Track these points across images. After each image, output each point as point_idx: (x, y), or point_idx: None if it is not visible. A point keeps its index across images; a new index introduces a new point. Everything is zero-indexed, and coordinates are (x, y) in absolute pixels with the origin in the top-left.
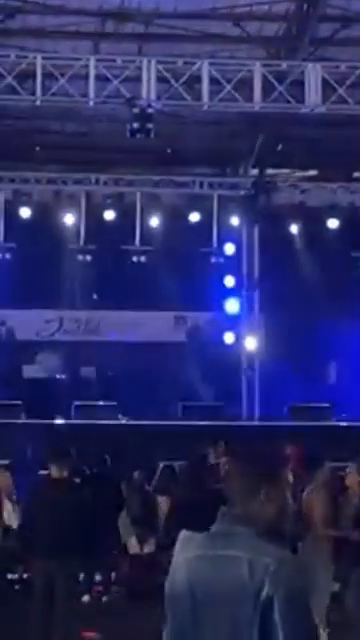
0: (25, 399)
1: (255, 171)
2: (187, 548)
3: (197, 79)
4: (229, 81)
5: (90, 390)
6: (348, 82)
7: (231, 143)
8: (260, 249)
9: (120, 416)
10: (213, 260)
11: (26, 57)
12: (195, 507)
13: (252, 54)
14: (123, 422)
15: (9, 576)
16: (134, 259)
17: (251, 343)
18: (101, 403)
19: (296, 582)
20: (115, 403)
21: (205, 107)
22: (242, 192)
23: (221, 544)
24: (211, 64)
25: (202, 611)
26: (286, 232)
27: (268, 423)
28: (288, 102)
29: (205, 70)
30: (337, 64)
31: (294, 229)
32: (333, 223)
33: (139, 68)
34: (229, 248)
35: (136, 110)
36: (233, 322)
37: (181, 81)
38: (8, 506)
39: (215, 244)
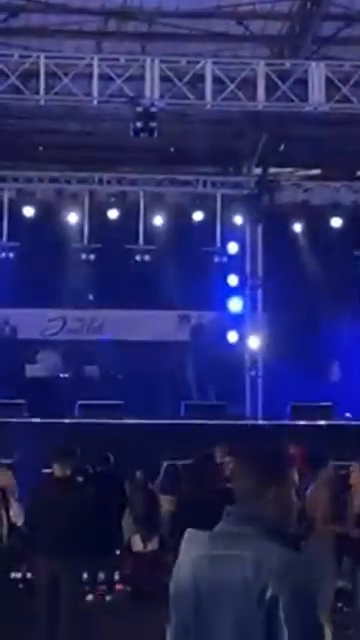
0: (28, 398)
1: (258, 170)
2: (192, 547)
3: (200, 78)
4: (232, 80)
5: (93, 389)
6: (352, 81)
7: (234, 142)
8: (263, 248)
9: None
10: (216, 259)
11: (29, 56)
12: (200, 506)
13: (255, 53)
14: (126, 421)
15: (12, 575)
16: (137, 258)
17: (254, 342)
18: (105, 402)
19: (302, 582)
20: (120, 402)
21: (208, 106)
22: (245, 191)
23: (226, 543)
24: (214, 63)
25: (206, 611)
26: (289, 231)
27: (271, 422)
28: (291, 101)
29: (208, 69)
30: (341, 63)
31: (297, 228)
32: (336, 222)
33: (142, 67)
34: (232, 247)
35: (139, 109)
36: (236, 321)
37: (184, 80)
38: (14, 505)
39: (218, 243)
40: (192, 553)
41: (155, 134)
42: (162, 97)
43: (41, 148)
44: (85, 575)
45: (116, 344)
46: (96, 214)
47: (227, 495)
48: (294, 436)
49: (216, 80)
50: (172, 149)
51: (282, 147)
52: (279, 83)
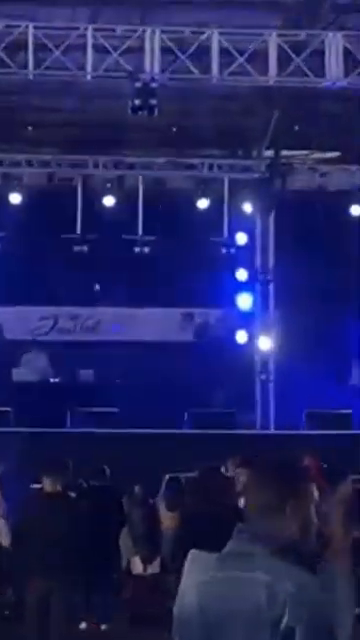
0: (15, 405)
1: (270, 152)
2: (197, 569)
3: (205, 50)
4: (241, 52)
5: (88, 395)
6: None
7: (243, 121)
8: (275, 239)
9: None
10: (224, 251)
11: (17, 26)
12: (206, 524)
13: (267, 22)
14: (124, 430)
15: None
16: (136, 250)
17: (265, 343)
18: (100, 410)
19: (319, 609)
20: (117, 410)
21: (214, 81)
22: (255, 176)
23: (236, 565)
24: (221, 34)
25: (214, 639)
26: (304, 220)
27: (284, 432)
28: (306, 75)
29: (214, 40)
30: None
31: (313, 216)
32: (356, 210)
33: (141, 38)
34: (241, 238)
35: (138, 85)
36: (245, 319)
37: (188, 52)
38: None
39: (226, 233)
40: (197, 576)
41: (155, 112)
42: (163, 71)
43: (30, 128)
44: (79, 600)
45: (113, 345)
46: (90, 201)
47: (237, 511)
48: (309, 447)
49: (223, 52)
50: (174, 129)
51: (296, 127)
52: (293, 56)
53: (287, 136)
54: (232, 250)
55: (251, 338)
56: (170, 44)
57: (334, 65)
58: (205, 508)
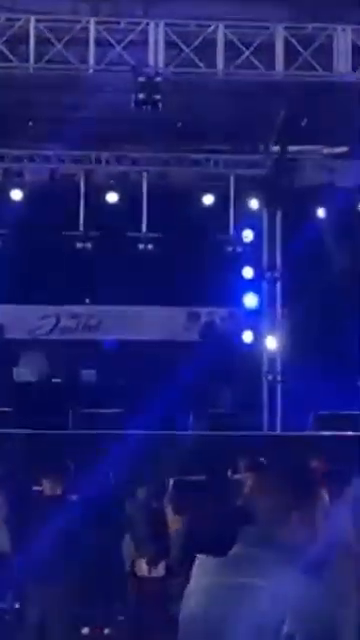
0: (16, 406)
1: (277, 148)
2: (202, 573)
3: (211, 43)
4: (247, 46)
5: (90, 396)
6: None
7: (250, 116)
8: (283, 236)
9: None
10: (229, 249)
11: (18, 19)
12: (212, 528)
13: (274, 15)
14: (127, 432)
15: None
16: (140, 247)
17: (272, 342)
18: (103, 411)
19: (321, 618)
20: (120, 410)
21: (220, 75)
22: (262, 171)
23: (240, 570)
24: (227, 27)
25: None
26: (312, 217)
27: (292, 433)
28: (314, 69)
29: (220, 33)
30: None
31: (321, 213)
32: None
33: (145, 31)
34: (248, 235)
35: (142, 79)
36: (252, 319)
37: (193, 46)
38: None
39: (232, 230)
40: (203, 580)
41: (159, 107)
42: (167, 65)
43: (31, 123)
44: (80, 605)
45: (116, 345)
46: (93, 198)
47: (244, 515)
48: (317, 449)
49: (229, 46)
50: (179, 124)
51: (304, 122)
52: (300, 49)
53: (294, 131)
54: (238, 248)
55: (258, 337)
56: (174, 37)
57: (343, 59)
58: (211, 512)
